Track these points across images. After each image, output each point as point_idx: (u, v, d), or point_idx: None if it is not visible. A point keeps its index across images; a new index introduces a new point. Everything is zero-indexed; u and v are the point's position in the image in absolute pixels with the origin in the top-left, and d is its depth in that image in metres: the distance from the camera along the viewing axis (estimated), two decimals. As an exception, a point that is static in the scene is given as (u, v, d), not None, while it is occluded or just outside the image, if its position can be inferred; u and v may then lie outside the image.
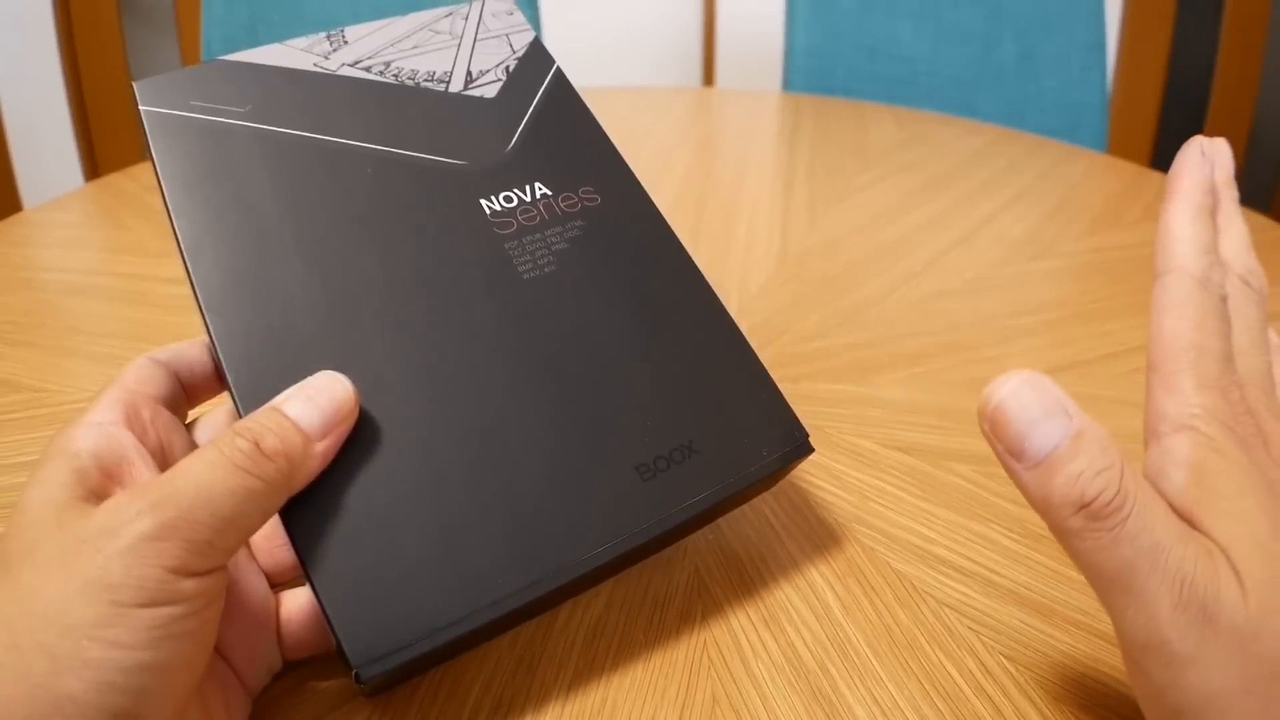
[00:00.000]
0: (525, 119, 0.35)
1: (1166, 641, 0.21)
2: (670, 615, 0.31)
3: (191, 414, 0.30)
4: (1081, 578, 0.33)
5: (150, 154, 0.31)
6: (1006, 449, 0.23)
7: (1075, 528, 0.22)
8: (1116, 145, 1.26)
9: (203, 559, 0.22)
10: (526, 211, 0.33)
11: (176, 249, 0.30)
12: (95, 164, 1.39)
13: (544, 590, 0.27)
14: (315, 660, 0.29)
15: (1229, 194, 0.27)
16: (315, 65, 0.35)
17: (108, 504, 0.22)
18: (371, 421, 0.27)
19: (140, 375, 0.28)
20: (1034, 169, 0.71)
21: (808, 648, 0.30)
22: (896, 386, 0.44)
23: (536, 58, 0.38)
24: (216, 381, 0.30)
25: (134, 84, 0.33)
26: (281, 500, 0.25)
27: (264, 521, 0.24)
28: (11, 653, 0.20)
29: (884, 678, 0.29)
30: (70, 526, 0.22)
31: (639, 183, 0.35)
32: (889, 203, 0.65)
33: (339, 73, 0.35)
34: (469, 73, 0.36)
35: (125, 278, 0.54)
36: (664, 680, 0.29)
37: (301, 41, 0.35)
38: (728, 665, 0.29)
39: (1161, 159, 1.34)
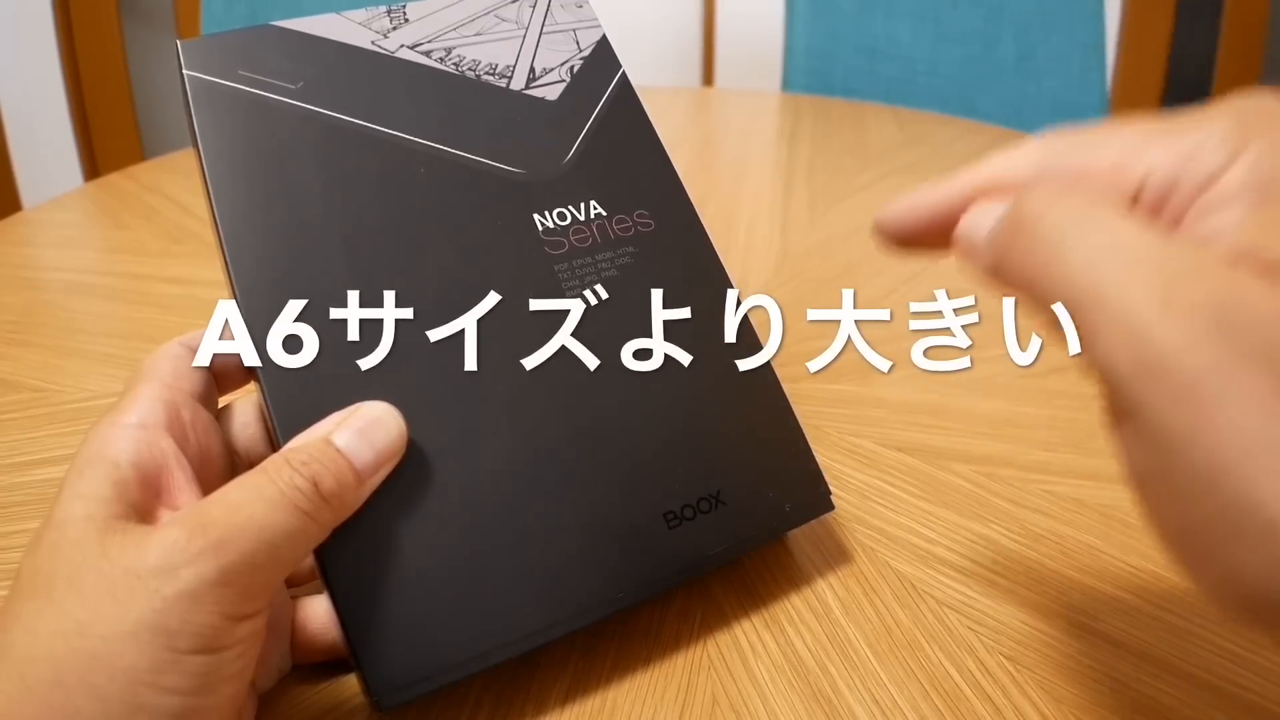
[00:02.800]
0: (586, 128, 0.34)
1: (1164, 357, 0.15)
2: (670, 615, 0.31)
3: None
4: (1082, 578, 0.33)
5: (191, 125, 0.29)
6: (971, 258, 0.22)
7: (1000, 251, 0.19)
8: (1116, 145, 1.26)
9: (254, 602, 0.22)
10: (579, 232, 0.31)
11: (213, 232, 0.28)
12: (95, 164, 1.39)
13: (565, 631, 0.27)
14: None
15: None
16: (373, 44, 0.33)
17: (161, 537, 0.21)
18: (408, 449, 0.27)
19: (178, 370, 0.27)
20: (1034, 169, 0.70)
21: (808, 648, 0.30)
22: (896, 386, 0.44)
23: (603, 59, 0.36)
24: (246, 372, 0.29)
25: (178, 44, 0.30)
26: (324, 538, 0.24)
27: (304, 559, 0.24)
28: (57, 691, 0.20)
29: (884, 678, 0.29)
30: (117, 555, 0.21)
31: (694, 210, 0.34)
32: (889, 203, 0.65)
33: (397, 54, 0.33)
34: (532, 69, 0.34)
35: (125, 278, 0.54)
36: (664, 680, 0.29)
37: (359, 14, 0.33)
38: (728, 665, 0.29)
39: (1161, 159, 1.34)
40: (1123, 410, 0.17)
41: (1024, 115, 1.02)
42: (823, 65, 1.07)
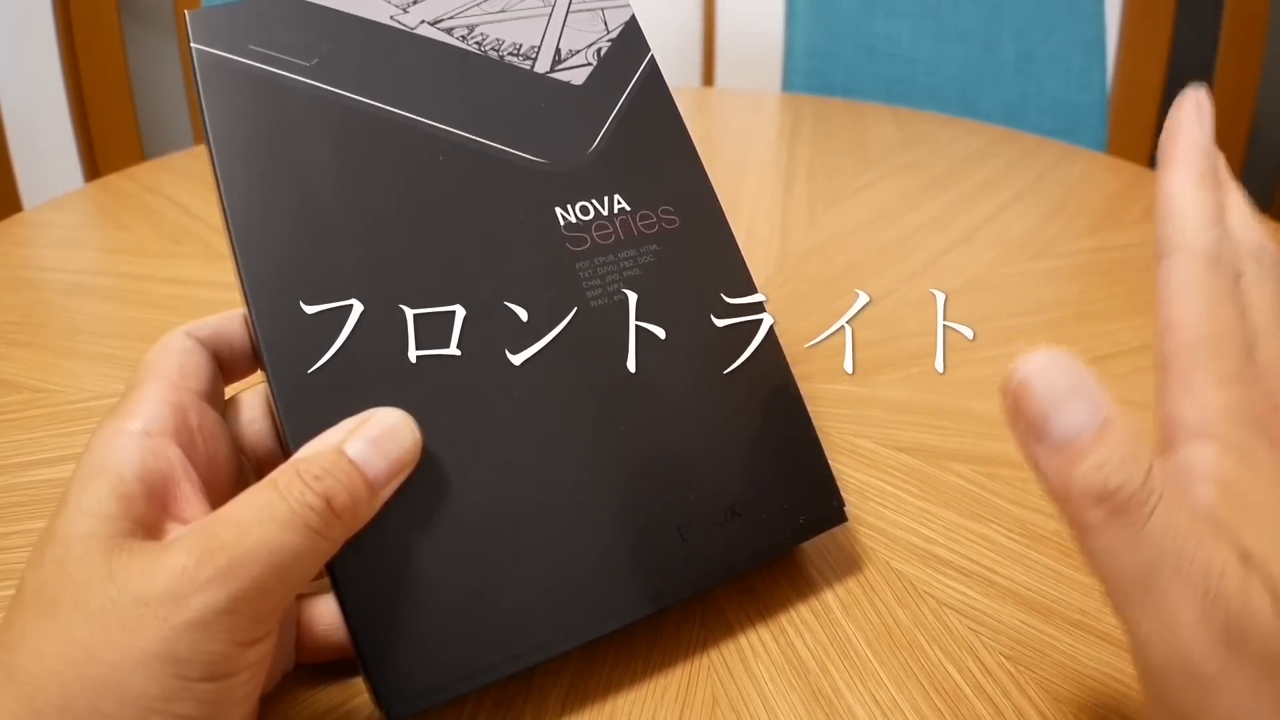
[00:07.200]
0: (612, 116, 0.32)
1: (1190, 660, 0.19)
2: (670, 615, 0.31)
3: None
4: (1082, 577, 0.33)
5: (199, 103, 0.28)
6: (1028, 429, 0.20)
7: (1094, 521, 0.20)
8: (1116, 145, 1.26)
9: (263, 626, 0.22)
10: (602, 228, 0.30)
11: (221, 219, 0.28)
12: (95, 164, 1.39)
13: (576, 643, 0.27)
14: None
15: (1221, 159, 0.24)
16: (392, 18, 0.31)
17: (169, 563, 0.21)
18: (422, 457, 0.26)
19: (185, 367, 0.26)
20: (1034, 169, 0.71)
21: (808, 648, 0.30)
22: (896, 386, 0.44)
23: (631, 42, 0.34)
24: (253, 361, 0.28)
25: (186, 14, 0.29)
26: (335, 552, 0.24)
27: (314, 576, 0.24)
28: (66, 717, 0.20)
29: (884, 678, 0.29)
30: (124, 581, 0.21)
31: (720, 207, 0.32)
32: (889, 203, 0.65)
33: (417, 31, 0.31)
34: (558, 51, 0.33)
35: (125, 278, 0.54)
36: (664, 680, 0.29)
37: None
38: (728, 665, 0.29)
39: (1161, 159, 1.34)
40: (1150, 686, 0.20)
41: (1024, 115, 1.02)
42: (823, 65, 1.07)
